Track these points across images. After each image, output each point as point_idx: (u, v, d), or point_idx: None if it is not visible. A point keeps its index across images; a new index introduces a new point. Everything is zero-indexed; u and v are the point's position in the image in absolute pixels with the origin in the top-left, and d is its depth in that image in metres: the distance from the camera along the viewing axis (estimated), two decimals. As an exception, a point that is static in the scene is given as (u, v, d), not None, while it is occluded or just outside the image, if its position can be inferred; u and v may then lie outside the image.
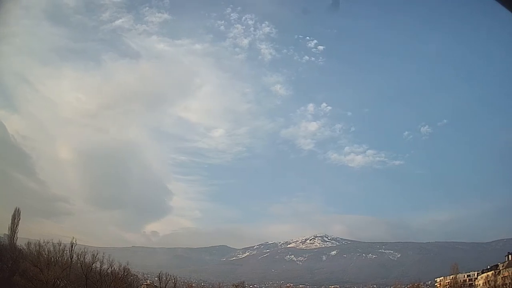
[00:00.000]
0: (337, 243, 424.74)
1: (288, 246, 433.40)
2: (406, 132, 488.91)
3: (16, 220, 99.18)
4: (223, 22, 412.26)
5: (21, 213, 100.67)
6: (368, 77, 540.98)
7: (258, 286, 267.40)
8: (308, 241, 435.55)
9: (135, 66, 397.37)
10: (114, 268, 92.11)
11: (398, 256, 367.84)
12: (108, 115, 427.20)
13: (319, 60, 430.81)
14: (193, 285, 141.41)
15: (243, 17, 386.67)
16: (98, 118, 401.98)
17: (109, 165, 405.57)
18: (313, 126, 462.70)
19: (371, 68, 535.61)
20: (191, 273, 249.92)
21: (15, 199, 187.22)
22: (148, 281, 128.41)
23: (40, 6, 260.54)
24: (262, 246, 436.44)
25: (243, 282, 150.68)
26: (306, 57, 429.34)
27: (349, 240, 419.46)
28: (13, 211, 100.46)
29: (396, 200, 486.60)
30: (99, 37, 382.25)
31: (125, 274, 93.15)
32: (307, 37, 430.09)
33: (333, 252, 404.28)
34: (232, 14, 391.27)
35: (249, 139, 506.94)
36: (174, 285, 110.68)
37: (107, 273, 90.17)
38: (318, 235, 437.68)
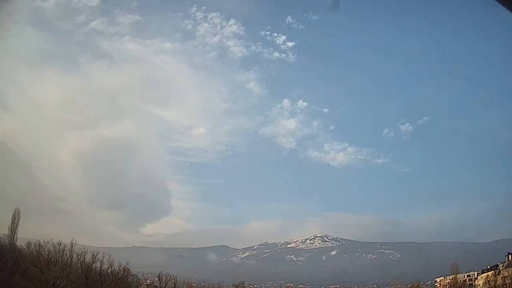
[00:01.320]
0: (337, 243, 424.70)
1: (288, 246, 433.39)
2: (386, 130, 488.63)
3: (16, 220, 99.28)
4: (190, 21, 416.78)
5: (21, 213, 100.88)
6: (343, 73, 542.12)
7: (258, 286, 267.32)
8: (308, 241, 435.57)
9: (110, 67, 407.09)
10: (114, 268, 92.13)
11: (398, 256, 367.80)
12: (92, 115, 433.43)
13: (290, 56, 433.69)
14: (193, 285, 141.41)
15: (209, 16, 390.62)
16: (83, 118, 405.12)
17: (106, 165, 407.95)
18: (291, 123, 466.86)
19: (346, 64, 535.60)
20: (191, 273, 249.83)
21: (14, 199, 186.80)
22: (148, 281, 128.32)
23: (24, 11, 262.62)
24: (262, 246, 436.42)
25: (243, 282, 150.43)
26: (277, 54, 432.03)
27: (349, 240, 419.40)
28: (13, 211, 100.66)
29: (384, 199, 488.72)
30: (76, 40, 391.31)
31: (125, 274, 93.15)
32: (275, 33, 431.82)
33: (333, 252, 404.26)
34: (197, 13, 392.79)
35: (229, 138, 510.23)
36: (174, 285, 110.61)
37: (107, 273, 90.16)
38: (318, 235, 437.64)
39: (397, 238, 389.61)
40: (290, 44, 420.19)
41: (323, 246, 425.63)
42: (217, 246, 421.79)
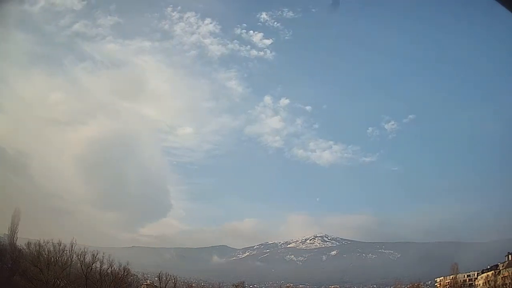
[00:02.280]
0: (337, 243, 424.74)
1: (288, 246, 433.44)
2: (370, 128, 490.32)
3: (16, 220, 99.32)
4: (166, 21, 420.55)
5: (20, 213, 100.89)
6: (323, 71, 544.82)
7: (258, 286, 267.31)
8: (308, 241, 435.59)
9: (94, 68, 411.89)
10: (114, 268, 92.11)
11: (398, 256, 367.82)
12: (82, 115, 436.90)
13: (268, 54, 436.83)
14: (193, 285, 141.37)
15: (185, 16, 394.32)
16: (75, 118, 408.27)
17: (104, 165, 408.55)
18: (275, 122, 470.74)
19: (326, 62, 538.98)
20: (191, 273, 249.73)
21: (14, 199, 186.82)
22: (148, 281, 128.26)
23: (12, 15, 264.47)
24: (262, 246, 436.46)
25: (243, 282, 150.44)
26: (255, 52, 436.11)
27: (349, 240, 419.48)
28: (12, 212, 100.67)
29: (375, 198, 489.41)
30: (61, 41, 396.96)
31: (125, 274, 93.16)
32: (251, 31, 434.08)
33: (333, 252, 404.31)
34: (173, 14, 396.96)
35: (216, 137, 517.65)
36: (174, 285, 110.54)
37: (107, 273, 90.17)
38: (318, 235, 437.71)
39: (397, 238, 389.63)
40: (267, 41, 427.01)
41: (323, 246, 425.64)
42: (217, 246, 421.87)
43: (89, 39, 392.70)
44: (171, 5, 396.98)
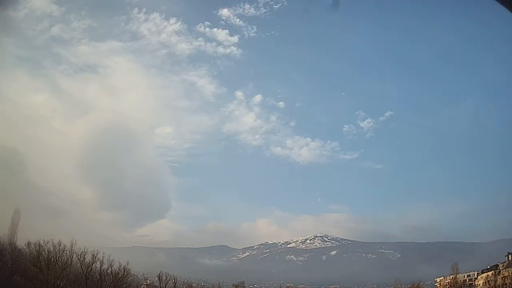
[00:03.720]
0: (337, 243, 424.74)
1: (288, 246, 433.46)
2: (346, 126, 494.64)
3: (16, 220, 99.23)
4: (134, 23, 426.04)
5: (20, 213, 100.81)
6: (293, 67, 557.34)
7: (258, 286, 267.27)
8: (308, 241, 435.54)
9: (70, 70, 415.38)
10: (114, 268, 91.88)
11: (398, 256, 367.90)
12: (66, 115, 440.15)
13: (235, 52, 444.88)
14: (193, 285, 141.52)
15: (150, 17, 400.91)
16: (60, 118, 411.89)
17: (98, 164, 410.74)
18: (250, 119, 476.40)
19: (294, 58, 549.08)
20: (191, 273, 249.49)
21: (14, 199, 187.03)
22: (148, 281, 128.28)
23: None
24: (262, 246, 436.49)
25: (243, 282, 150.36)
26: (221, 49, 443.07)
27: (349, 240, 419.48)
28: (12, 212, 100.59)
29: (361, 196, 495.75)
30: (39, 45, 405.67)
31: (125, 274, 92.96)
32: (215, 29, 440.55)
33: (333, 252, 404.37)
34: (139, 15, 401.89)
35: (194, 136, 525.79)
36: (174, 285, 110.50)
37: (107, 273, 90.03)
38: (318, 235, 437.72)
39: (397, 238, 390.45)
40: (233, 39, 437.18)
41: (323, 246, 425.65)
42: (217, 246, 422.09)
43: (65, 42, 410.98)
44: (137, 8, 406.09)
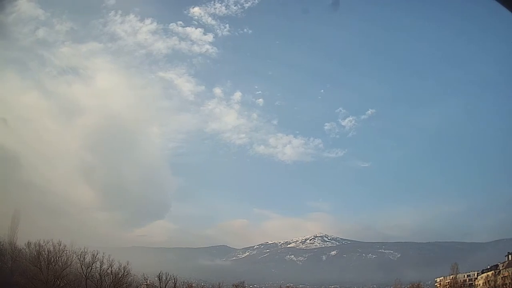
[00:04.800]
0: (337, 243, 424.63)
1: (288, 246, 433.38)
2: (327, 124, 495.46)
3: (16, 220, 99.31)
4: (111, 25, 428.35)
5: (20, 213, 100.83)
6: (268, 66, 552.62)
7: (258, 286, 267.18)
8: (308, 241, 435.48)
9: (55, 72, 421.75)
10: (114, 268, 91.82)
11: (398, 256, 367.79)
12: (59, 116, 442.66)
13: (210, 50, 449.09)
14: (193, 285, 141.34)
15: (126, 19, 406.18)
16: (52, 118, 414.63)
17: (98, 165, 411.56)
18: (231, 118, 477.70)
19: (269, 57, 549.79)
20: (191, 273, 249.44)
21: (14, 199, 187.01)
22: (148, 281, 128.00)
23: None
24: (262, 246, 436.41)
25: (243, 282, 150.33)
26: (196, 48, 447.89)
27: (349, 240, 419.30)
28: (13, 212, 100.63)
29: (349, 196, 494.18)
30: (25, 47, 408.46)
31: (125, 274, 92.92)
32: (188, 28, 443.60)
33: (333, 252, 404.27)
34: (116, 18, 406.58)
35: (179, 135, 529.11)
36: (174, 285, 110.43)
37: (107, 273, 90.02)
38: (318, 235, 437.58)
39: (397, 238, 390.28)
40: (207, 37, 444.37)
41: (323, 246, 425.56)
42: (217, 246, 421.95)
43: (49, 44, 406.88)
44: (113, 10, 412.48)
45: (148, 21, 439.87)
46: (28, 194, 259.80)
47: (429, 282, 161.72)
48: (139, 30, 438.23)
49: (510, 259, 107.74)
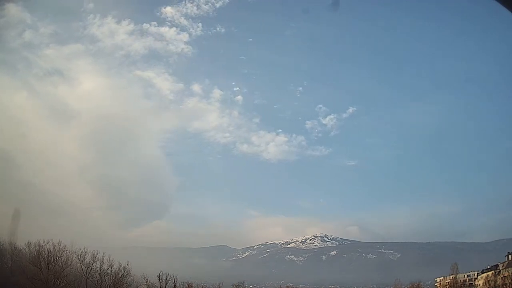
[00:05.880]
0: (337, 243, 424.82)
1: (288, 246, 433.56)
2: (309, 122, 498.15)
3: (16, 220, 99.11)
4: (92, 27, 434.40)
5: (20, 214, 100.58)
6: (245, 62, 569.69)
7: (258, 286, 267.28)
8: (308, 241, 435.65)
9: (41, 74, 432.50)
10: (114, 268, 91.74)
11: (398, 256, 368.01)
12: (51, 116, 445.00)
13: (186, 49, 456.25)
14: (193, 285, 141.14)
15: (105, 21, 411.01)
16: (45, 118, 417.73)
17: (97, 165, 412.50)
18: (212, 117, 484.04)
19: (244, 53, 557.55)
20: (191, 273, 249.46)
21: (14, 199, 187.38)
22: (148, 281, 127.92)
23: None
24: (262, 246, 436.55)
25: (243, 282, 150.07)
26: (172, 47, 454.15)
27: (349, 240, 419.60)
28: (12, 212, 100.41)
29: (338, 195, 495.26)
30: (13, 49, 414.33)
31: (125, 274, 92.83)
32: (162, 27, 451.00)
33: (333, 252, 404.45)
34: (95, 21, 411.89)
35: (163, 135, 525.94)
36: (174, 285, 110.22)
37: (107, 273, 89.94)
38: (318, 235, 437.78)
39: (397, 238, 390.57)
40: (180, 37, 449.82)
41: (323, 246, 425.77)
42: (217, 246, 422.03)
43: (35, 46, 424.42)
44: (92, 14, 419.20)
45: (125, 22, 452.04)
46: (27, 194, 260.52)
47: (429, 282, 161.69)
48: (117, 32, 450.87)
49: (510, 259, 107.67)
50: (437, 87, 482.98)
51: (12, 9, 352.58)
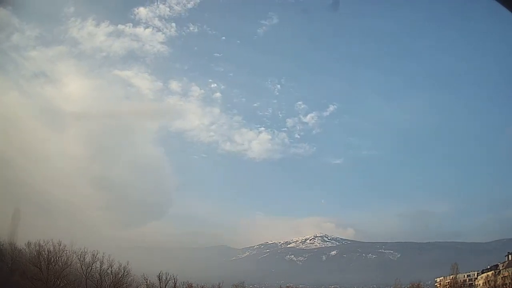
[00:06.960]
0: (337, 243, 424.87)
1: (288, 246, 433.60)
2: (289, 120, 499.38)
3: (16, 220, 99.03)
4: (73, 29, 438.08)
5: (20, 213, 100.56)
6: (221, 60, 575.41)
7: (258, 286, 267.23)
8: (308, 241, 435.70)
9: (28, 75, 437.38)
10: (114, 268, 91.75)
11: (398, 256, 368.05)
12: (42, 118, 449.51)
13: (162, 49, 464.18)
14: (193, 285, 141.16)
15: (86, 22, 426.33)
16: (39, 119, 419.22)
17: (97, 165, 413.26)
18: (194, 116, 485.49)
19: (219, 52, 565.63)
20: (191, 273, 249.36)
21: (14, 199, 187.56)
22: (148, 281, 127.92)
23: None
24: (262, 246, 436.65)
25: (243, 282, 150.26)
26: (148, 48, 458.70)
27: (349, 240, 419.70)
28: (12, 212, 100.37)
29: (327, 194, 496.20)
30: (1, 51, 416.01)
31: (125, 274, 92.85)
32: (137, 28, 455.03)
33: (333, 252, 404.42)
34: (76, 23, 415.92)
35: (148, 134, 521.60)
36: (174, 285, 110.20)
37: (107, 273, 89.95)
38: (318, 235, 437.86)
39: (397, 238, 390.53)
40: (156, 37, 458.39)
41: (323, 246, 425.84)
42: (217, 246, 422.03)
43: (21, 49, 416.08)
44: (73, 17, 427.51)
45: (104, 24, 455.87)
46: (25, 194, 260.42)
47: (429, 282, 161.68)
48: (96, 34, 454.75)
49: (510, 259, 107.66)
50: (436, 86, 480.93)
51: (1, 13, 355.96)
